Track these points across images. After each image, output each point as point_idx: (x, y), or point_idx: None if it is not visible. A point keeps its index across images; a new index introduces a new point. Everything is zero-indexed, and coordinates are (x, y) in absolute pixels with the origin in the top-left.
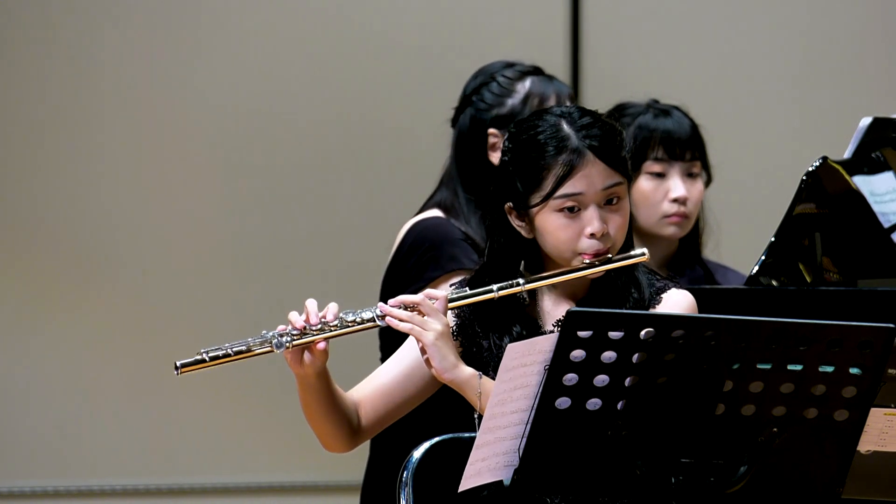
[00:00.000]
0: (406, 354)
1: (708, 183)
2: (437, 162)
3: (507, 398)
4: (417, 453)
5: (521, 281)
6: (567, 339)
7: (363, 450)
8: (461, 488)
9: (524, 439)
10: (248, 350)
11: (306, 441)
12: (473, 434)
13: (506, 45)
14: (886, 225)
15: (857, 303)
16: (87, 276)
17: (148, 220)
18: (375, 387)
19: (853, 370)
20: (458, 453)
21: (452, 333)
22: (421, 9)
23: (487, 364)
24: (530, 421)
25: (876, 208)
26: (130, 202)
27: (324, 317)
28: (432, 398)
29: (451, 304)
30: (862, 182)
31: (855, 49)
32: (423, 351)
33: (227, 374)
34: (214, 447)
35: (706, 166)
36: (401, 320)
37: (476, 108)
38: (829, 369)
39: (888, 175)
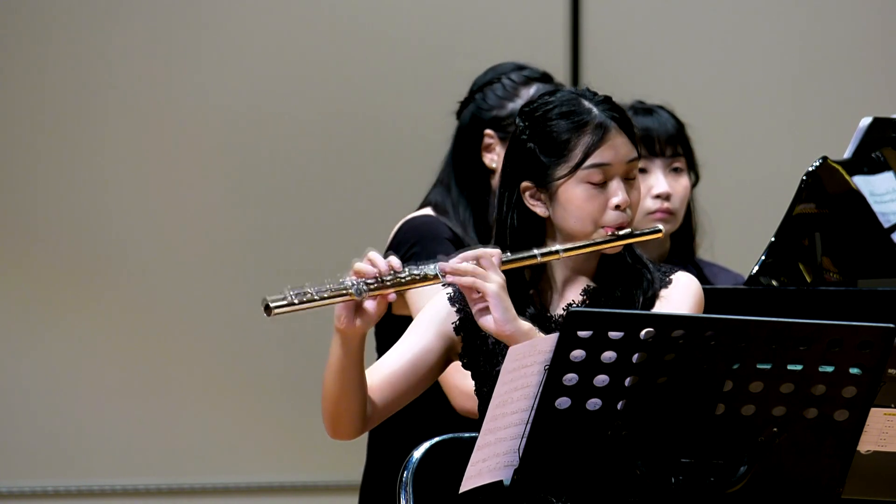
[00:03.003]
0: (410, 344)
1: (696, 182)
2: (437, 160)
3: (508, 399)
4: (417, 453)
5: (558, 248)
6: (567, 339)
7: (362, 450)
8: (462, 489)
9: (524, 439)
10: (332, 296)
11: (306, 441)
12: (473, 434)
13: (506, 45)
14: (886, 225)
15: (857, 303)
16: (87, 276)
17: (149, 220)
18: (381, 376)
19: (853, 370)
20: (458, 453)
21: (456, 329)
22: (421, 8)
23: (493, 355)
24: (530, 421)
25: (876, 208)
26: (131, 203)
27: (391, 267)
28: (433, 398)
29: (501, 266)
30: (862, 182)
31: (855, 49)
32: (482, 310)
33: (226, 375)
34: (214, 447)
35: (692, 164)
36: (463, 273)
37: (477, 107)
38: (829, 369)
39: (888, 175)
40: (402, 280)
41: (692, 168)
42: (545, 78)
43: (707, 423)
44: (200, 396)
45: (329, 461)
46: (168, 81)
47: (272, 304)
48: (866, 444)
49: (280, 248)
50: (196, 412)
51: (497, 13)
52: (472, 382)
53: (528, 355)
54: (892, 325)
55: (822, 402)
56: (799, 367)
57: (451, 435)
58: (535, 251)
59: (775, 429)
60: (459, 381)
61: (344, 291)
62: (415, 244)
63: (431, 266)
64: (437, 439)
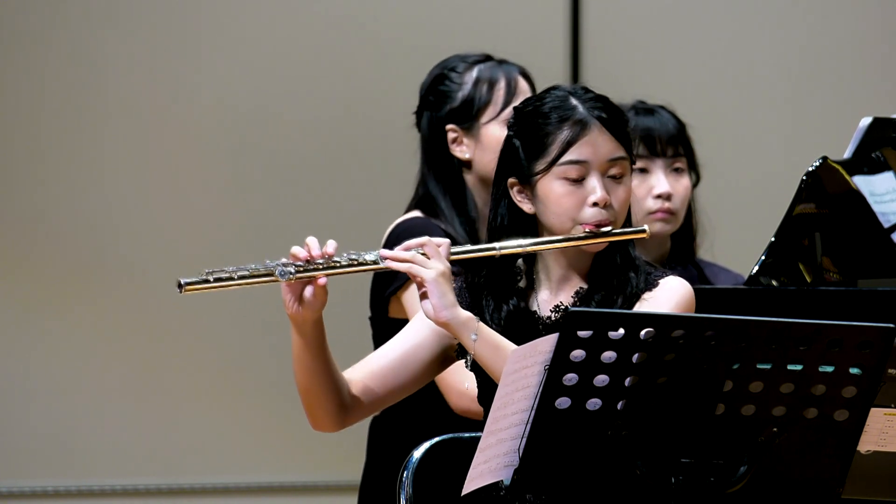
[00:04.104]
0: (403, 340)
1: (696, 182)
2: None
3: (509, 400)
4: (417, 453)
5: (522, 242)
6: (567, 339)
7: (362, 450)
8: (464, 491)
9: (524, 439)
10: (251, 276)
11: (306, 441)
12: (474, 434)
13: (506, 45)
14: (886, 225)
15: (857, 303)
16: (87, 276)
17: (148, 221)
18: (369, 369)
19: (853, 370)
20: (458, 453)
21: None
22: (420, 8)
23: None
24: (530, 421)
25: (876, 208)
26: (131, 203)
27: (325, 252)
28: (432, 398)
29: (452, 256)
30: (862, 182)
31: (855, 49)
32: (422, 296)
33: (226, 375)
34: (214, 447)
35: (693, 165)
36: (402, 260)
37: (432, 108)
38: (829, 369)
39: (888, 175)
40: (337, 264)
41: (693, 168)
42: (486, 58)
43: (707, 423)
44: (200, 396)
45: (329, 461)
46: (167, 82)
47: (183, 282)
48: (866, 444)
49: (279, 248)
50: (196, 412)
51: (497, 13)
52: (468, 382)
53: (529, 356)
54: (892, 325)
55: (822, 402)
56: (799, 367)
57: (451, 435)
58: (496, 244)
59: (775, 429)
60: (455, 380)
61: (263, 272)
62: None
63: (371, 253)
64: (437, 439)
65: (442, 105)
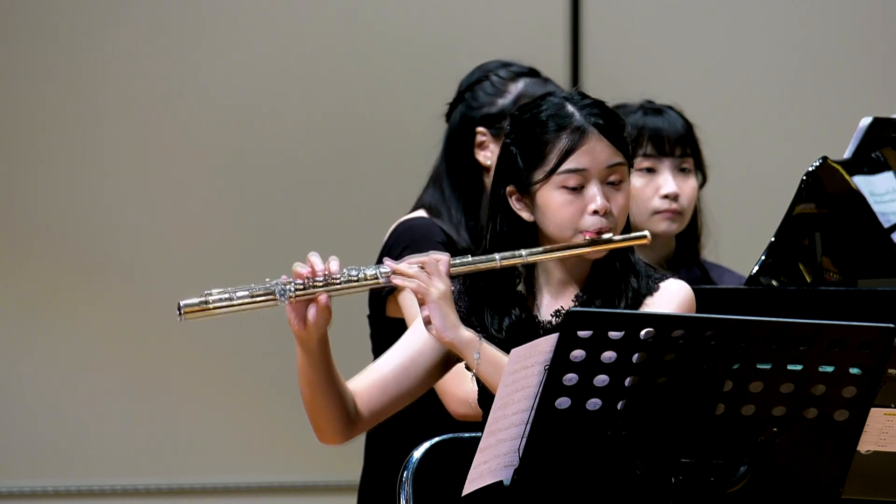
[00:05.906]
0: (403, 348)
1: (703, 183)
2: (433, 161)
3: (510, 401)
4: (417, 453)
5: (523, 252)
6: (567, 339)
7: (361, 450)
8: (465, 492)
9: (524, 439)
10: (251, 297)
11: (306, 441)
12: (473, 434)
13: (506, 45)
14: (886, 225)
15: (857, 303)
16: (87, 276)
17: (148, 221)
18: (371, 379)
19: (853, 370)
20: (458, 453)
21: None
22: (421, 8)
23: None
24: (530, 421)
25: (876, 208)
26: (131, 203)
27: (327, 270)
28: (431, 399)
29: (453, 270)
30: (862, 182)
31: (855, 49)
32: (425, 319)
33: (226, 374)
34: (214, 447)
35: (700, 165)
36: (406, 276)
37: (467, 106)
38: (829, 369)
39: (888, 175)
40: (337, 282)
41: (700, 168)
42: (532, 73)
43: (707, 423)
44: (200, 396)
45: (329, 461)
46: (168, 82)
47: (183, 304)
48: (866, 444)
49: (278, 249)
50: (196, 412)
51: (497, 13)
52: (467, 387)
53: (529, 356)
54: (892, 325)
55: (822, 402)
56: (799, 367)
57: (451, 435)
58: (497, 255)
59: (775, 429)
60: (454, 386)
61: (263, 294)
62: (407, 247)
63: (372, 268)
64: (437, 439)
65: (478, 106)
